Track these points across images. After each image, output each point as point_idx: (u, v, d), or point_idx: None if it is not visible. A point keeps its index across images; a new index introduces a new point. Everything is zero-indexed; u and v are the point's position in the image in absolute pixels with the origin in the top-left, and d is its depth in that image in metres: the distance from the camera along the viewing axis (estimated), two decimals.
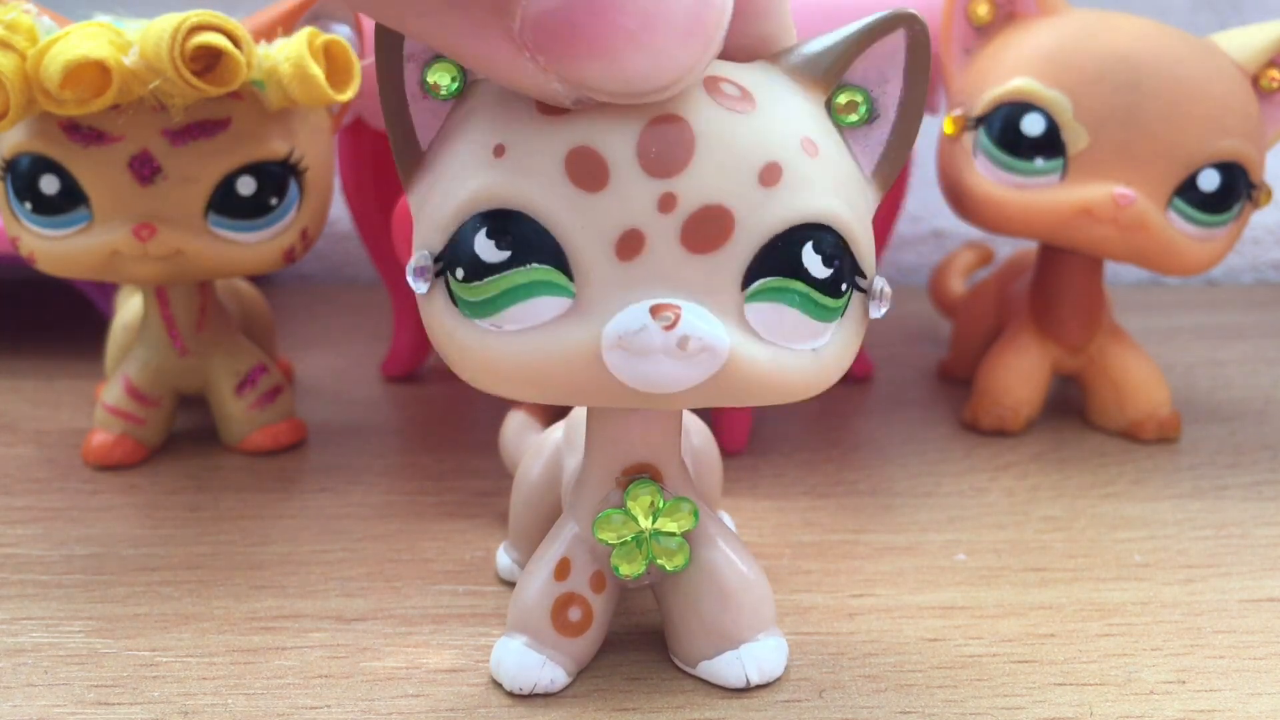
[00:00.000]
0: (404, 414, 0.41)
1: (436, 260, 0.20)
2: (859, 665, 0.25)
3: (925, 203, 0.57)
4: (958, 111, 0.36)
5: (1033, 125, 0.34)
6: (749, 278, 0.19)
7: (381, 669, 0.25)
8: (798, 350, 0.20)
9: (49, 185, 0.31)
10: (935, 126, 0.38)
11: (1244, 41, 0.35)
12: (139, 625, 0.26)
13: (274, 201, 0.33)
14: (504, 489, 0.30)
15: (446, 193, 0.20)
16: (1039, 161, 0.35)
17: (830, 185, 0.20)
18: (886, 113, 0.21)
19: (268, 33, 0.32)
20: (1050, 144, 0.34)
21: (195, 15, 0.28)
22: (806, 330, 0.20)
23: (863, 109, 0.21)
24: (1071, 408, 0.41)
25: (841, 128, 0.21)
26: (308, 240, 0.35)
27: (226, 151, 0.32)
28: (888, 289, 0.21)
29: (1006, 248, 0.51)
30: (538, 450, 0.27)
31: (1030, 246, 0.42)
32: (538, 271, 0.19)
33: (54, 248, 0.32)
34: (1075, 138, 0.34)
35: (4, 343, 0.48)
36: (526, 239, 0.19)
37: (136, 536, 0.31)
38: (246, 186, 0.32)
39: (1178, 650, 0.25)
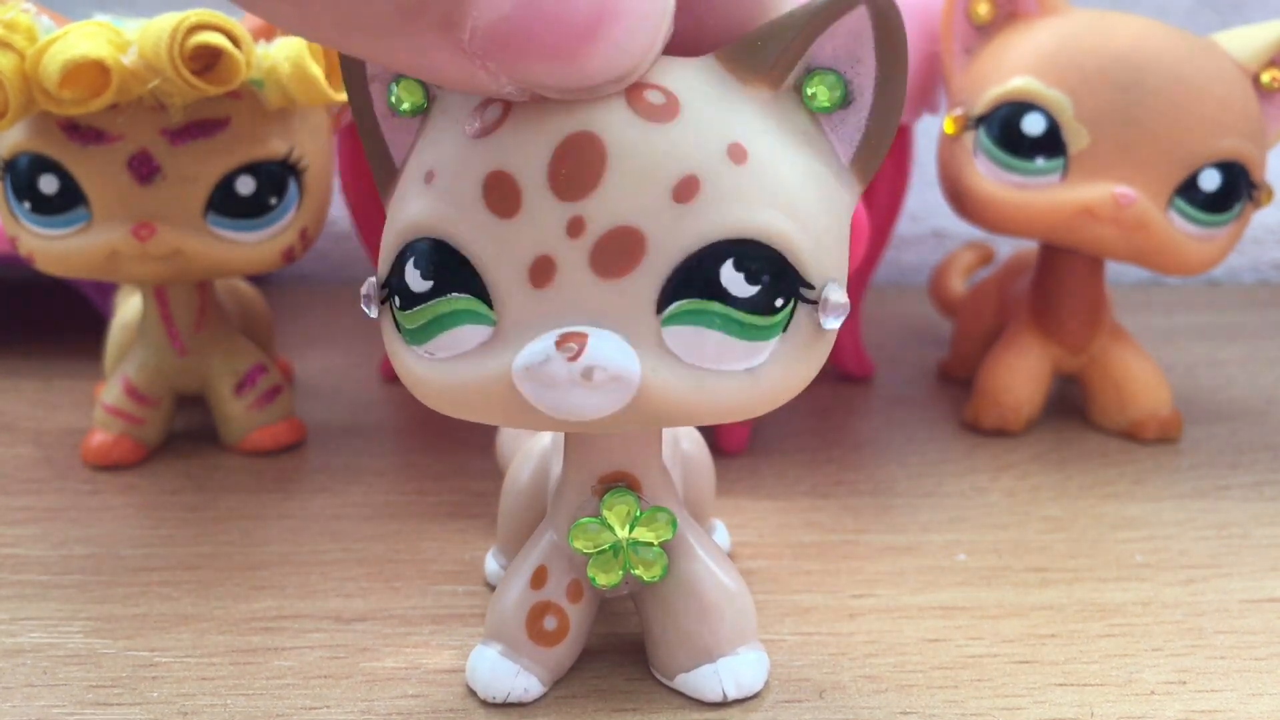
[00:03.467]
0: (404, 414, 0.41)
1: (383, 287, 0.20)
2: (859, 666, 0.25)
3: (925, 203, 0.57)
4: (958, 111, 0.36)
5: (1033, 125, 0.34)
6: (664, 300, 0.18)
7: (381, 669, 0.24)
8: (727, 372, 0.19)
9: (48, 185, 0.31)
10: (935, 126, 0.38)
11: (1245, 41, 0.35)
12: (138, 626, 0.26)
13: (273, 201, 0.33)
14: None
15: (391, 219, 0.20)
16: (1040, 161, 0.35)
17: (762, 194, 0.18)
18: (863, 95, 0.19)
19: (267, 32, 0.32)
20: (1051, 143, 0.34)
21: (194, 14, 0.28)
22: (734, 351, 0.19)
23: (836, 93, 0.19)
24: (1072, 408, 0.41)
25: (816, 115, 0.19)
26: (307, 240, 0.35)
27: (226, 151, 0.32)
28: (840, 298, 0.19)
29: (1007, 247, 0.51)
30: (527, 455, 0.27)
31: (1031, 246, 0.42)
32: (458, 301, 0.19)
33: (53, 247, 0.32)
34: (1076, 137, 0.34)
35: (3, 343, 0.48)
36: (447, 269, 0.19)
37: (135, 537, 0.31)
38: (246, 186, 0.32)
39: (1179, 651, 0.25)
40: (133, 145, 0.31)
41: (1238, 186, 0.35)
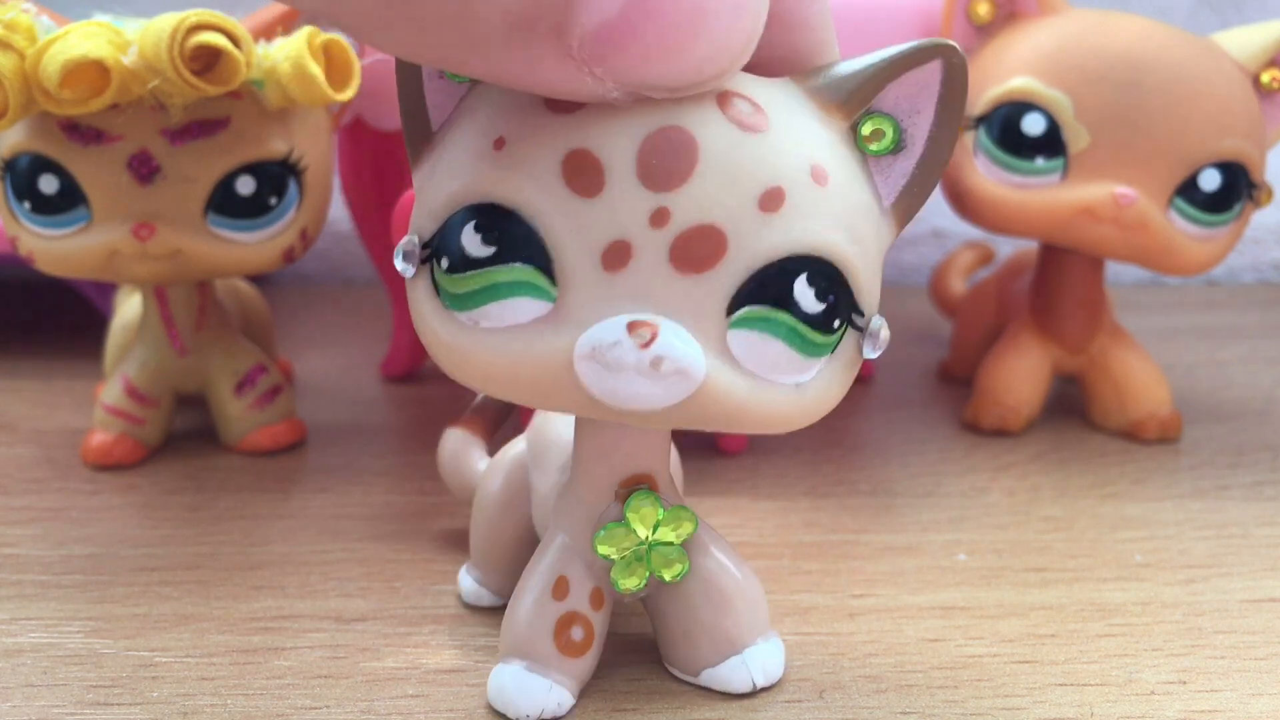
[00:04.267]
0: (404, 414, 0.41)
1: (424, 246, 0.19)
2: (859, 665, 0.25)
3: (925, 203, 0.56)
4: None
5: (1033, 125, 0.34)
6: (735, 304, 0.18)
7: (381, 669, 0.24)
8: (779, 384, 0.19)
9: (48, 185, 0.31)
10: None
11: (1245, 41, 0.35)
12: (138, 625, 0.26)
13: (273, 201, 0.33)
14: None
15: (443, 179, 0.19)
16: (1040, 161, 0.35)
17: (836, 218, 0.19)
18: (914, 144, 0.20)
19: (267, 32, 0.32)
20: (1051, 144, 0.34)
21: (194, 14, 0.28)
22: (791, 364, 0.19)
23: (890, 138, 0.20)
24: (1072, 408, 0.41)
25: (865, 155, 0.20)
26: (307, 240, 0.35)
27: (226, 151, 0.32)
28: (885, 332, 0.20)
29: (1007, 247, 0.51)
30: (496, 468, 0.27)
31: (1031, 246, 0.42)
32: (520, 271, 0.18)
33: (53, 247, 0.32)
34: (1076, 137, 0.34)
35: (3, 343, 0.48)
36: (513, 238, 0.18)
37: (136, 536, 0.31)
38: (246, 186, 0.32)
39: (1179, 650, 0.25)
40: (133, 145, 0.31)
41: (1238, 186, 0.35)
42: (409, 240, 0.20)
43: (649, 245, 0.18)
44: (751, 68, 0.19)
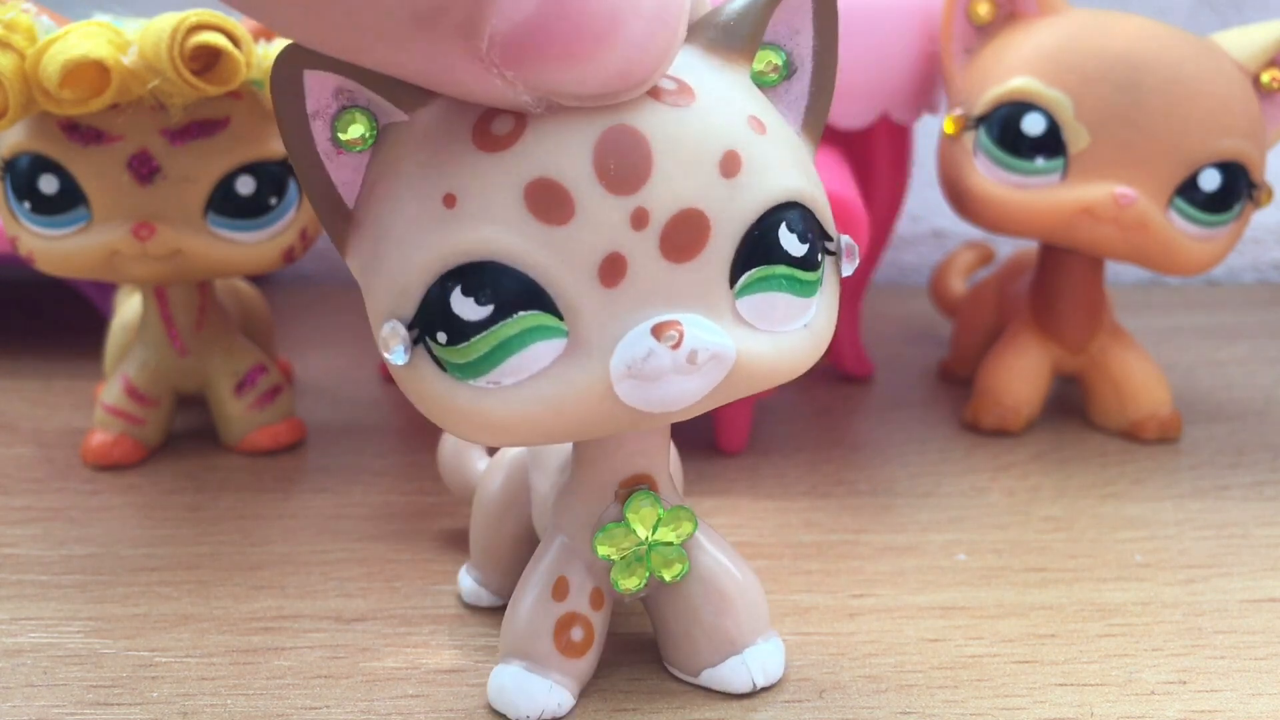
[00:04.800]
0: (404, 414, 0.41)
1: (410, 328, 0.18)
2: (859, 666, 0.25)
3: (925, 203, 0.56)
4: (958, 111, 0.36)
5: (1033, 125, 0.34)
6: (735, 273, 0.19)
7: (381, 669, 0.24)
8: (793, 331, 0.20)
9: (48, 185, 0.31)
10: (935, 126, 0.38)
11: (1245, 41, 0.35)
12: (138, 626, 0.26)
13: (273, 201, 0.33)
14: None
15: (403, 254, 0.18)
16: (1039, 161, 0.35)
17: (784, 159, 0.19)
18: (803, 64, 0.20)
19: (267, 32, 0.32)
20: (1051, 143, 0.34)
21: (194, 14, 0.28)
22: (796, 309, 0.20)
23: (782, 66, 0.20)
24: (1072, 408, 0.41)
25: (764, 89, 0.20)
26: (307, 240, 0.35)
27: (225, 151, 0.32)
28: (853, 243, 0.21)
29: (1007, 247, 0.51)
30: (495, 468, 0.27)
31: (1031, 246, 0.42)
32: (526, 319, 0.18)
33: (53, 247, 0.32)
34: (1076, 137, 0.34)
35: (3, 343, 0.48)
36: (506, 289, 0.18)
37: (135, 537, 0.31)
38: (245, 186, 0.32)
39: (1179, 651, 0.25)
40: (133, 145, 0.31)
41: (1237, 186, 0.35)
42: (391, 326, 0.18)
43: (639, 248, 0.18)
44: None
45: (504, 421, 0.19)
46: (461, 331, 0.18)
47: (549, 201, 0.18)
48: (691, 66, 0.19)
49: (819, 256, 0.20)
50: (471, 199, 0.18)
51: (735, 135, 0.19)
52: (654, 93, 0.18)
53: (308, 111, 0.19)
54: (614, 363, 0.18)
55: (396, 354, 0.19)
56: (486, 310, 0.18)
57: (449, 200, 0.18)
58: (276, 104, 0.19)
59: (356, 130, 0.19)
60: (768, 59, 0.20)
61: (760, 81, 0.20)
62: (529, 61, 0.17)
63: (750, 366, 0.19)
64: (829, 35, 0.20)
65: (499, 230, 0.18)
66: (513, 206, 0.18)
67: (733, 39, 0.20)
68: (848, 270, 0.21)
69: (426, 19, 0.16)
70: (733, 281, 0.19)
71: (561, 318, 0.18)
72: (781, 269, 0.19)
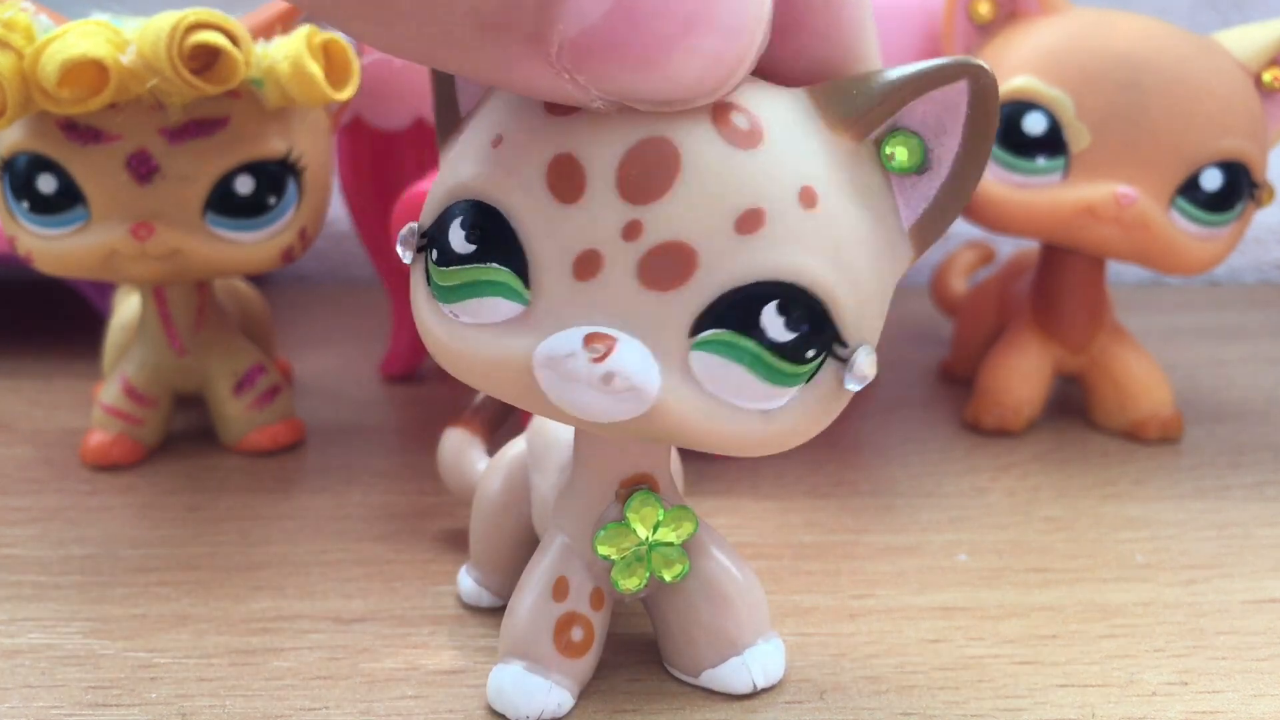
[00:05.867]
0: (404, 414, 0.41)
1: (423, 236, 0.20)
2: (860, 666, 0.25)
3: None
4: None
5: (1035, 124, 0.34)
6: (699, 325, 0.18)
7: (380, 670, 0.24)
8: (743, 409, 0.19)
9: (46, 184, 0.31)
10: None
11: (1246, 40, 0.35)
12: (137, 626, 0.26)
13: (272, 201, 0.33)
14: None
15: (447, 173, 0.20)
16: (1041, 160, 0.35)
17: (822, 243, 0.18)
18: (940, 166, 0.19)
19: (266, 31, 0.31)
20: (1052, 143, 0.34)
21: (193, 14, 0.28)
22: (755, 391, 0.18)
23: (916, 158, 0.19)
24: (1073, 408, 0.41)
25: (889, 174, 0.19)
26: (306, 240, 0.35)
27: (224, 150, 0.32)
28: (868, 366, 0.19)
29: (1008, 247, 0.51)
30: (495, 468, 0.27)
31: (1031, 246, 0.42)
32: (496, 272, 0.19)
33: (51, 247, 0.32)
34: (1077, 137, 0.34)
35: (3, 343, 0.48)
36: (494, 238, 0.19)
37: (134, 537, 0.31)
38: (245, 185, 0.32)
39: (1180, 651, 0.25)
40: (131, 144, 0.31)
41: (1239, 186, 0.34)
42: (410, 229, 0.20)
43: (619, 258, 0.18)
44: (775, 76, 0.19)
45: (449, 351, 0.20)
46: (447, 257, 0.19)
47: (565, 178, 0.18)
48: (784, 115, 0.18)
49: (809, 353, 0.18)
50: (510, 148, 0.19)
51: (773, 198, 0.18)
52: (723, 123, 0.18)
53: None
54: (539, 348, 0.18)
55: (403, 253, 0.20)
56: (470, 248, 0.19)
57: (496, 141, 0.19)
58: None
59: None
60: (897, 150, 0.19)
61: (887, 165, 0.19)
62: (600, 67, 0.17)
63: (672, 418, 0.18)
64: (978, 150, 0.19)
65: (515, 185, 0.18)
66: (536, 170, 0.18)
67: (847, 107, 0.18)
68: (851, 386, 0.19)
69: (495, 28, 0.16)
70: (695, 332, 0.18)
71: (529, 286, 0.19)
72: (749, 343, 0.18)
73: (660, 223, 0.18)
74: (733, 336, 0.18)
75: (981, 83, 0.18)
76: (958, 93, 0.18)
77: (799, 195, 0.18)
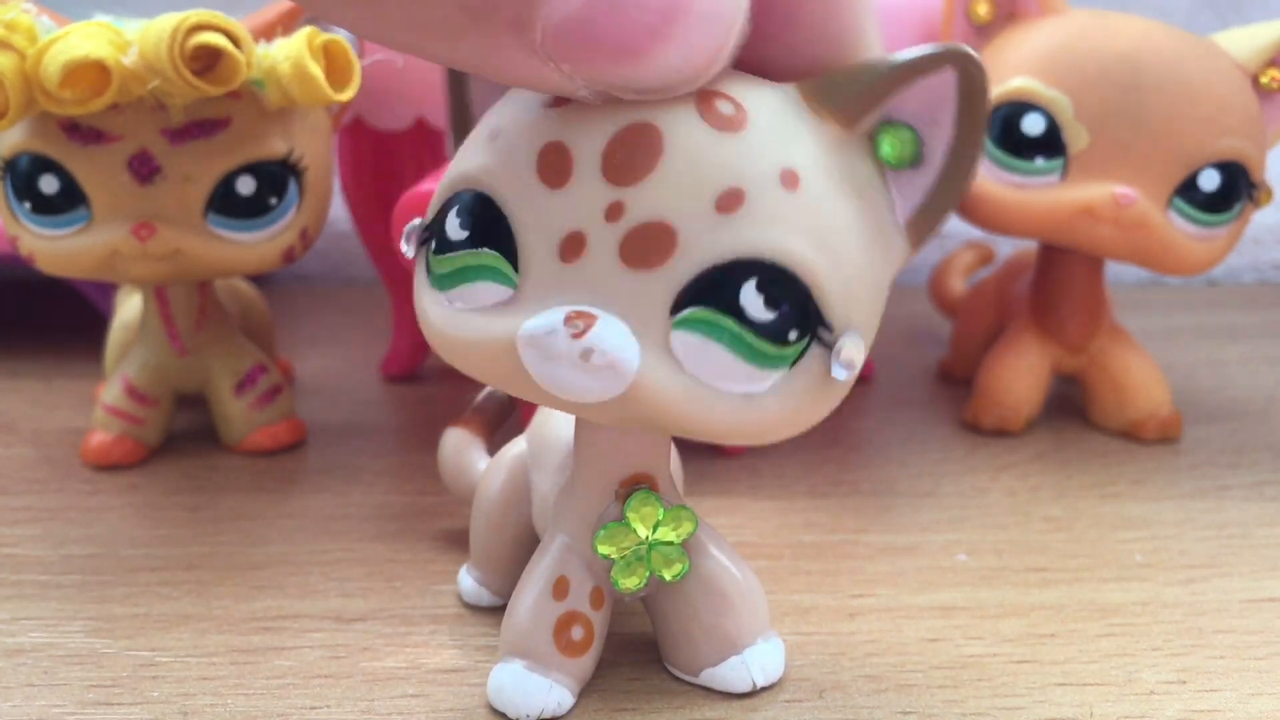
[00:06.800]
0: (404, 414, 0.41)
1: (426, 230, 0.20)
2: (860, 665, 0.25)
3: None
4: None
5: (1033, 125, 0.34)
6: (679, 303, 0.18)
7: (381, 669, 0.24)
8: (725, 392, 0.18)
9: (48, 185, 0.31)
10: None
11: (1245, 41, 0.35)
12: (138, 625, 0.26)
13: (273, 201, 0.33)
14: None
15: (451, 168, 0.20)
16: (1039, 161, 0.35)
17: (803, 224, 0.18)
18: (933, 158, 0.19)
19: (267, 32, 0.32)
20: (1051, 144, 0.34)
21: (195, 15, 0.28)
22: (736, 372, 0.18)
23: (908, 150, 0.19)
24: (1072, 408, 0.41)
25: (882, 167, 0.19)
26: (307, 240, 0.35)
27: (226, 151, 0.32)
28: (855, 352, 0.19)
29: (1007, 247, 0.51)
30: (496, 467, 0.27)
31: (1031, 246, 0.42)
32: (486, 257, 0.19)
33: (53, 247, 0.32)
34: (1076, 137, 0.34)
35: (4, 343, 0.48)
36: (485, 224, 0.19)
37: (135, 537, 0.31)
38: (246, 186, 0.32)
39: (1179, 650, 0.25)
40: (133, 145, 0.31)
41: (1237, 186, 0.35)
42: (415, 224, 0.21)
43: (601, 238, 0.18)
44: (770, 74, 0.19)
45: (445, 338, 0.20)
46: (444, 245, 0.20)
47: (553, 164, 0.19)
48: (770, 104, 0.19)
49: (790, 335, 0.18)
50: (506, 138, 0.19)
51: (753, 178, 0.18)
52: (707, 110, 0.18)
53: None
54: (523, 327, 0.18)
55: (406, 246, 0.21)
56: (464, 235, 0.19)
57: (494, 134, 0.20)
58: None
59: None
60: (894, 136, 0.19)
61: (882, 158, 0.19)
62: (580, 55, 0.17)
63: (651, 395, 0.18)
64: (970, 140, 0.19)
65: (505, 171, 0.19)
66: (527, 157, 0.19)
67: (834, 97, 0.19)
68: (838, 373, 0.19)
69: (479, 15, 0.16)
70: (675, 310, 0.18)
71: (518, 270, 0.19)
72: (728, 322, 0.18)
73: (642, 203, 0.18)
74: (712, 315, 0.18)
75: (969, 71, 0.18)
76: (946, 83, 0.18)
77: (780, 177, 0.18)
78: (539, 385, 0.19)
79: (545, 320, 0.18)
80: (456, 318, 0.20)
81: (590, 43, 0.17)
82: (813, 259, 0.18)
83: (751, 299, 0.18)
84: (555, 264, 0.19)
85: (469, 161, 0.20)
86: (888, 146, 0.19)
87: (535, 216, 0.19)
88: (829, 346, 0.19)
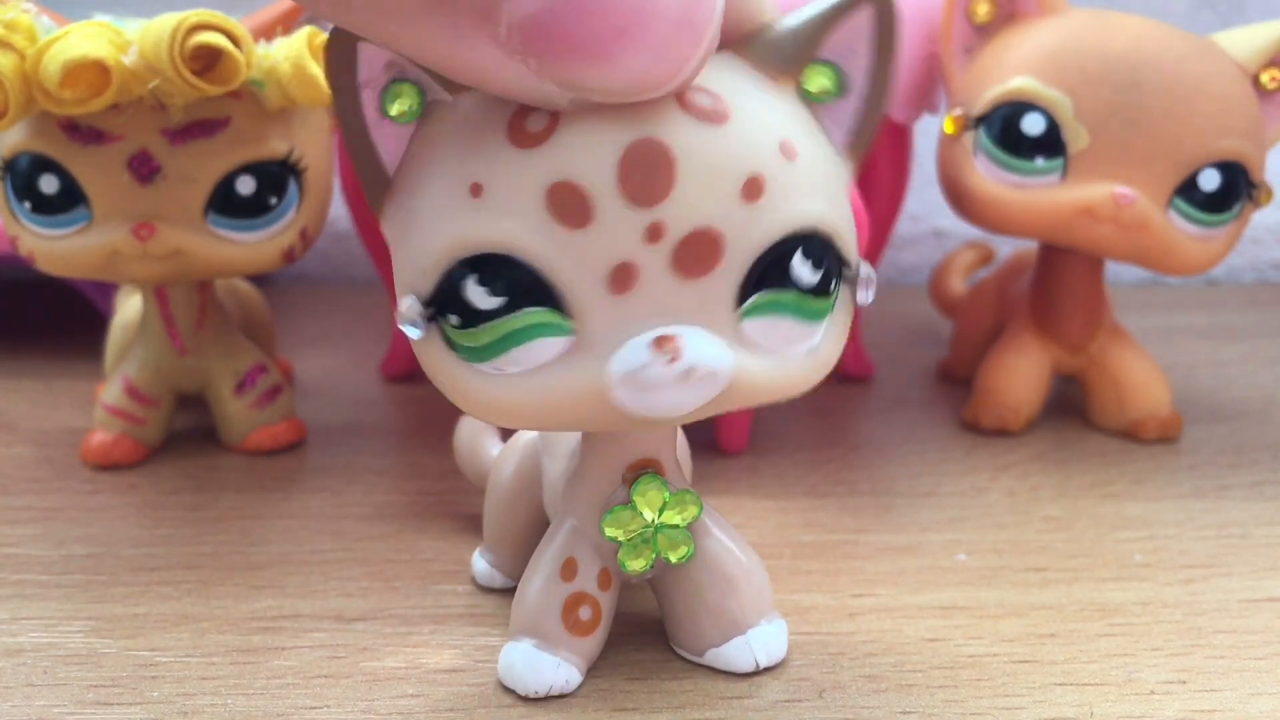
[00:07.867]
0: (404, 414, 0.41)
1: (427, 305, 0.19)
2: (859, 665, 0.25)
3: (925, 203, 0.57)
4: (958, 111, 0.36)
5: (1033, 125, 0.34)
6: (743, 294, 0.19)
7: (381, 669, 0.24)
8: (796, 353, 0.20)
9: (48, 185, 0.31)
10: (935, 126, 0.38)
11: (1244, 41, 0.35)
12: (138, 625, 0.26)
13: (273, 201, 0.33)
14: None
15: (426, 235, 0.19)
16: (1039, 161, 0.35)
17: (811, 186, 0.19)
18: (856, 84, 0.20)
19: (267, 32, 0.32)
20: (1051, 143, 0.34)
21: (195, 15, 0.28)
22: (802, 334, 0.20)
23: (834, 84, 0.20)
24: (1072, 407, 0.41)
25: (811, 103, 0.20)
26: (307, 240, 0.35)
27: (226, 151, 0.32)
28: (872, 273, 0.21)
29: (1007, 247, 0.51)
30: (509, 453, 0.27)
31: (1031, 246, 0.42)
32: (534, 315, 0.19)
33: (53, 247, 0.32)
34: (1076, 137, 0.34)
35: (4, 343, 0.48)
36: (519, 283, 0.18)
37: (136, 536, 0.31)
38: (246, 186, 0.32)
39: (1178, 650, 0.25)
40: (133, 145, 0.31)
41: (1237, 186, 0.35)
42: (409, 302, 0.19)
43: (651, 261, 0.18)
44: None
45: (505, 406, 0.20)
46: (473, 318, 0.19)
47: (569, 205, 0.18)
48: (734, 83, 0.19)
49: (832, 284, 0.20)
50: (496, 192, 0.18)
51: (762, 160, 0.19)
52: (689, 106, 0.18)
53: (359, 80, 0.19)
54: (612, 368, 0.19)
55: (412, 330, 0.19)
56: (498, 301, 0.19)
57: (475, 190, 0.19)
58: (329, 70, 0.19)
59: (403, 104, 0.20)
60: (819, 81, 0.20)
61: (812, 98, 0.20)
62: (549, 51, 0.17)
63: (746, 385, 0.19)
64: (885, 59, 0.20)
65: (518, 226, 0.18)
66: (534, 205, 0.18)
67: (781, 57, 0.20)
68: (864, 299, 0.21)
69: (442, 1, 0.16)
70: (740, 302, 0.19)
71: (570, 316, 0.19)
72: (790, 295, 0.19)
73: (679, 217, 0.18)
74: (775, 294, 0.19)
75: (882, 7, 0.20)
76: (864, 18, 0.20)
77: (780, 151, 0.19)
78: (629, 418, 0.19)
79: (634, 356, 0.18)
80: (514, 384, 0.19)
81: (556, 39, 0.16)
82: (829, 212, 0.20)
83: (800, 268, 0.19)
84: (609, 299, 0.19)
85: (460, 225, 0.19)
86: (815, 84, 0.20)
87: (571, 261, 0.18)
88: (850, 281, 0.21)
